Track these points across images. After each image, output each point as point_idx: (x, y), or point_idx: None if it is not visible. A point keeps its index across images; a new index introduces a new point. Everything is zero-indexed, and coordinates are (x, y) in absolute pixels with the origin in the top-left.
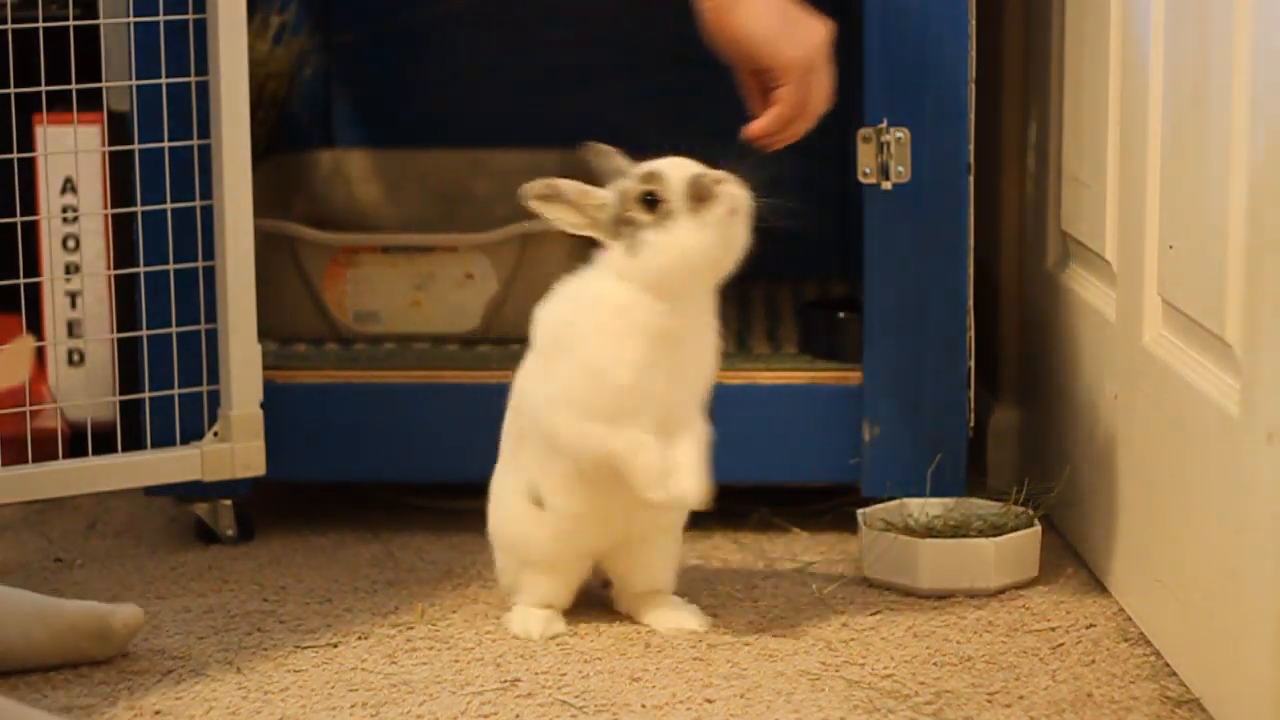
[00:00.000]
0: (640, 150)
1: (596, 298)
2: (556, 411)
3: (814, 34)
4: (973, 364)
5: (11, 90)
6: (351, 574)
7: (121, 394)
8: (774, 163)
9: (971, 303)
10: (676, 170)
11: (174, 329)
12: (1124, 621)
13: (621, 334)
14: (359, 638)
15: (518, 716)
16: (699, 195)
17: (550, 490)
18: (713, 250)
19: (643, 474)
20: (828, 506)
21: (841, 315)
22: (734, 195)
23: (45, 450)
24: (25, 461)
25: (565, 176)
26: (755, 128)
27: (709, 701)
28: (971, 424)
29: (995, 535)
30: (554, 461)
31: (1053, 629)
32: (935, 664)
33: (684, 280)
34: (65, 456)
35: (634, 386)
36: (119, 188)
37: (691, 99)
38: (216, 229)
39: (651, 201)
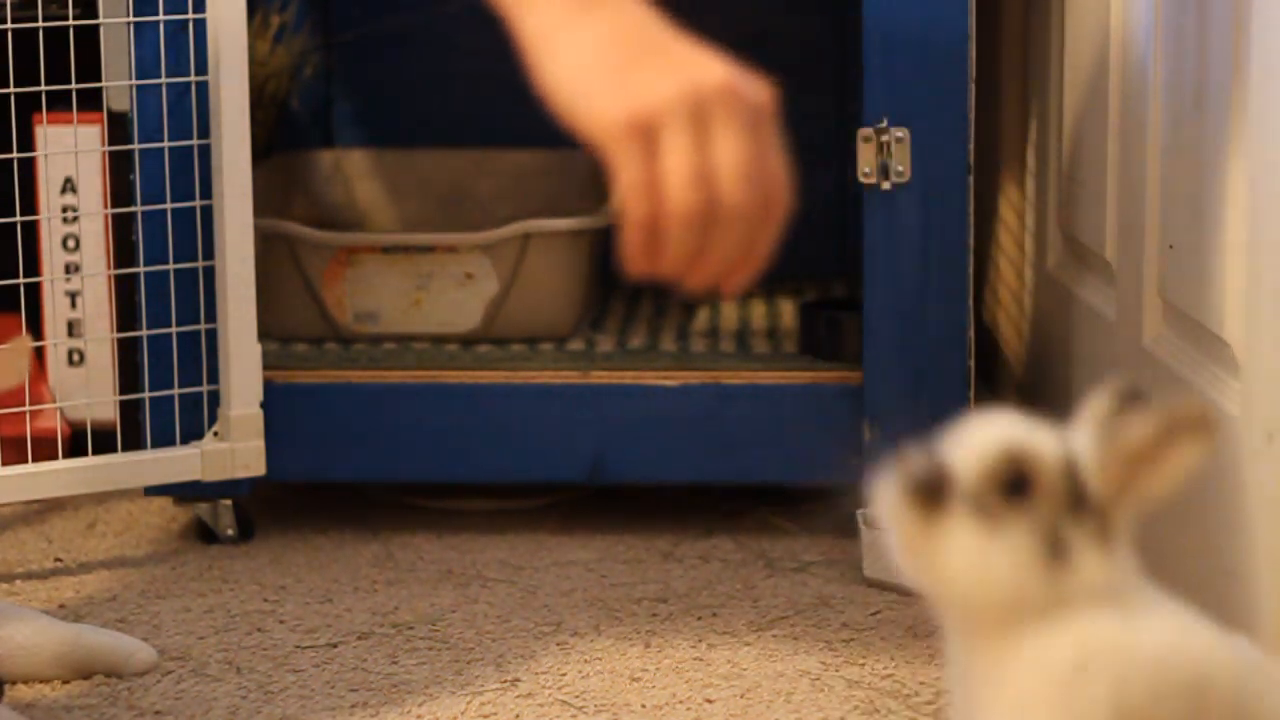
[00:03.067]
0: None
1: None
2: None
3: (677, 76)
4: (973, 364)
5: (11, 90)
6: (351, 574)
7: (121, 394)
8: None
9: (972, 302)
10: (974, 442)
11: (174, 329)
12: None
13: None
14: (359, 638)
15: (517, 716)
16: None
17: None
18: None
19: None
20: (828, 506)
21: (841, 315)
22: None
23: (45, 450)
24: (25, 461)
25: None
26: (626, 259)
27: (709, 701)
28: None
29: None
30: None
31: None
32: (936, 664)
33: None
34: (65, 457)
35: None
36: (119, 188)
37: None
38: (216, 229)
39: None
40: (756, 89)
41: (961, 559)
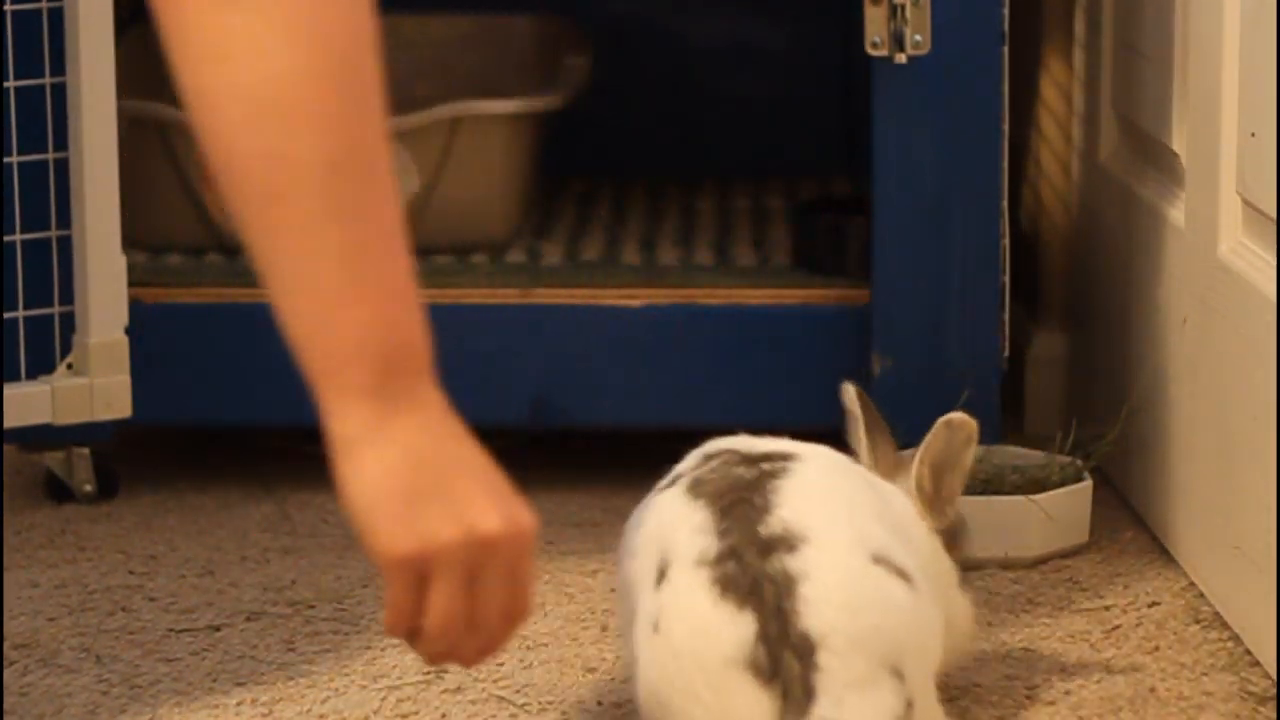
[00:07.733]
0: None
1: None
2: None
3: (458, 522)
4: (1008, 278)
5: None
6: (238, 540)
7: None
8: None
9: (1006, 203)
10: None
11: (18, 236)
12: (1195, 598)
13: None
14: (247, 619)
15: (443, 716)
16: None
17: None
18: None
19: None
20: None
21: (845, 219)
22: None
23: None
24: None
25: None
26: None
27: None
28: (1007, 353)
29: (1036, 491)
30: None
31: (1107, 608)
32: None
33: None
34: None
35: None
36: None
37: None
38: (71, 112)
39: None
40: (524, 524)
41: None
